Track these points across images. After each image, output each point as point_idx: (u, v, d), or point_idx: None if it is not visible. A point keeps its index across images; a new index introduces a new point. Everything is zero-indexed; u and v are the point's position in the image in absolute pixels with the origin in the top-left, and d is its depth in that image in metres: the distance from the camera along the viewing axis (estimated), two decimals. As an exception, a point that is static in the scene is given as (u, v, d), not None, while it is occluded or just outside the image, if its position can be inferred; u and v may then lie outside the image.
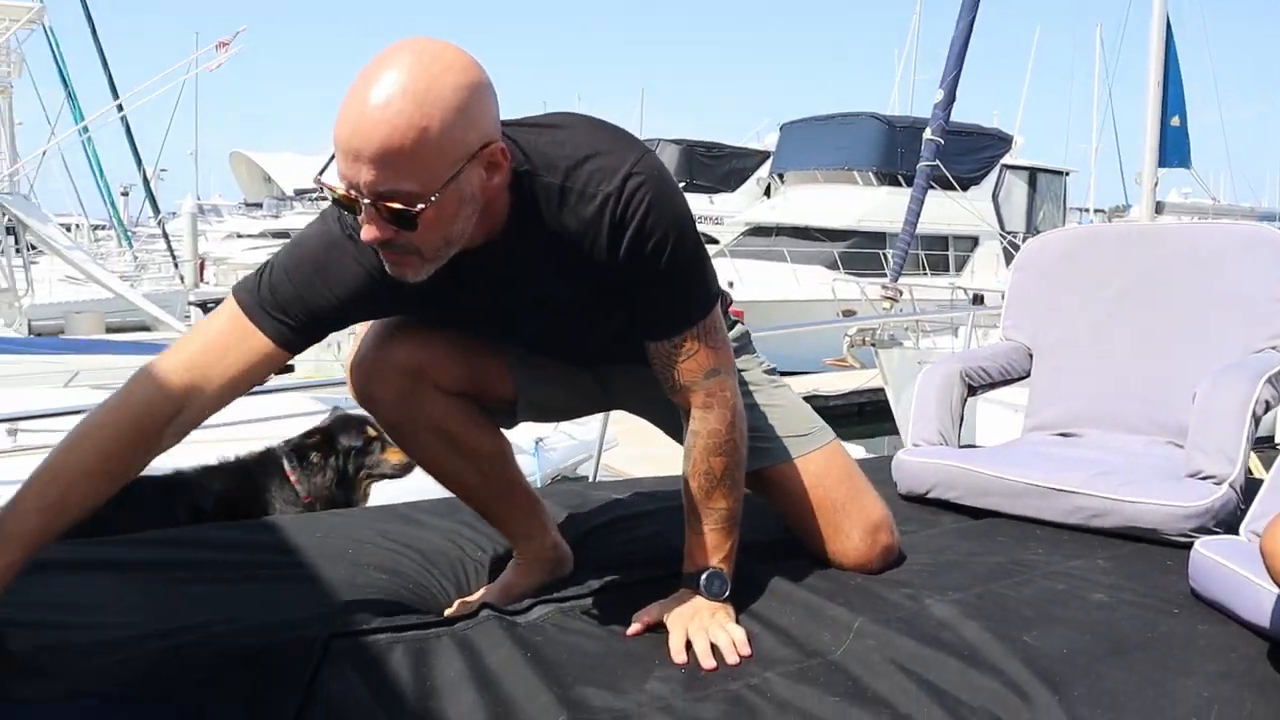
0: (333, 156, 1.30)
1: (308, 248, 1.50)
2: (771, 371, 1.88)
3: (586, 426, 4.95)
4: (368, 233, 1.32)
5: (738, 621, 1.55)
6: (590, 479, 4.09)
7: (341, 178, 1.29)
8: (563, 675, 1.39)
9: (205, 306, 17.90)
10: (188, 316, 16.39)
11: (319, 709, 1.32)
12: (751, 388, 1.80)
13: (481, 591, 1.76)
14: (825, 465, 1.79)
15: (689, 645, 1.48)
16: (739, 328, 1.86)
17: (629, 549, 1.87)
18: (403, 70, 1.25)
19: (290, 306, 1.47)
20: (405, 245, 1.34)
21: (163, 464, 2.21)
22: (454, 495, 1.86)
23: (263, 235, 30.36)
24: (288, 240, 1.58)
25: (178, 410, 1.44)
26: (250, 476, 2.66)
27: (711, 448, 1.57)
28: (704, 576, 1.57)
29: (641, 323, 1.54)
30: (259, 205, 39.55)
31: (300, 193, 38.24)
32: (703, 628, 1.49)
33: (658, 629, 1.54)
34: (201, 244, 24.02)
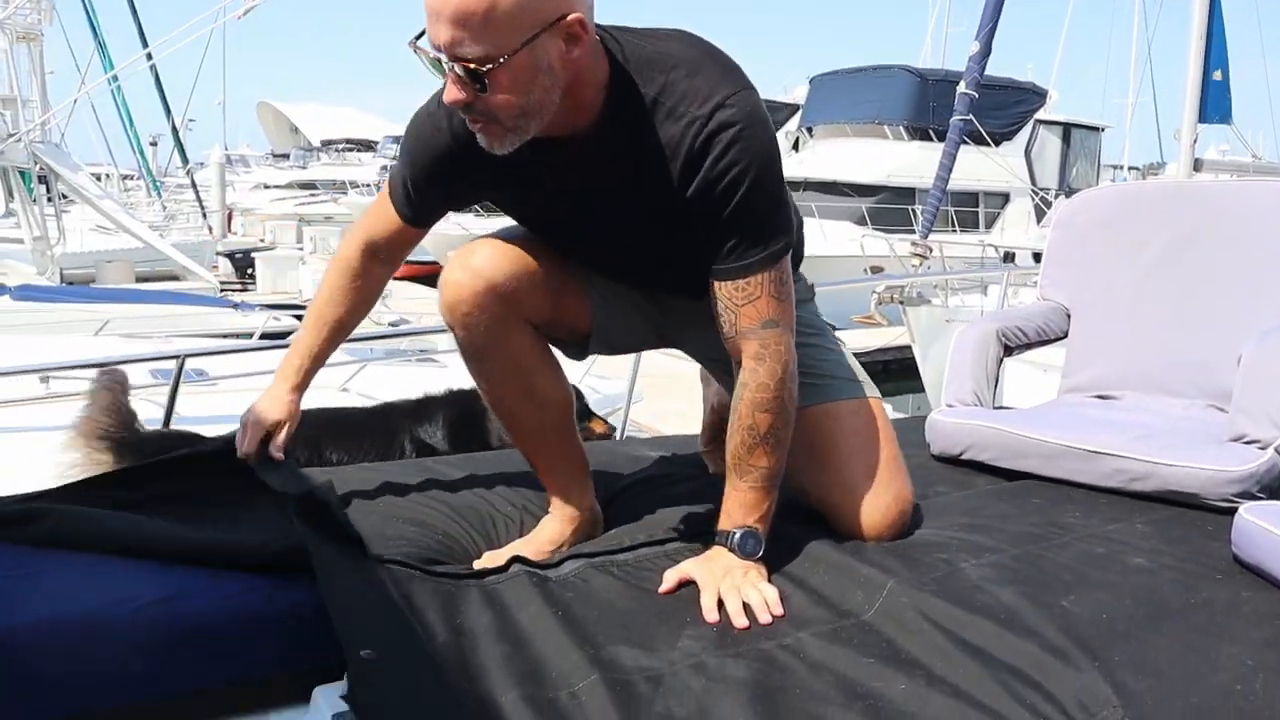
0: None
1: (412, 126, 1.64)
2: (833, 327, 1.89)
3: (612, 380, 4.94)
4: (449, 94, 1.39)
5: (770, 581, 1.53)
6: (618, 435, 4.07)
7: (429, 40, 1.37)
8: (594, 634, 1.37)
9: (233, 257, 18.04)
10: (215, 266, 16.51)
11: (357, 630, 1.31)
12: (821, 328, 1.84)
13: (511, 545, 1.75)
14: (881, 414, 1.79)
15: (721, 604, 1.46)
16: (803, 281, 1.86)
17: (661, 508, 1.85)
18: None
19: (402, 184, 1.68)
20: (484, 110, 1.40)
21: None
22: (480, 452, 1.85)
23: (289, 186, 30.44)
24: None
25: (370, 254, 1.77)
26: (471, 409, 2.73)
27: (758, 403, 1.55)
28: (738, 535, 1.55)
29: (711, 258, 1.54)
30: (286, 156, 39.58)
31: (327, 143, 38.22)
32: (735, 586, 1.48)
33: (689, 587, 1.52)
34: (229, 194, 24.14)
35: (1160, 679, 1.29)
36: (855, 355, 1.89)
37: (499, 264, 1.64)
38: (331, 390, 4.58)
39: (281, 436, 1.79)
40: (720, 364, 1.74)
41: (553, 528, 1.78)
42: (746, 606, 1.45)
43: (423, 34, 1.38)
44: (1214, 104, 8.94)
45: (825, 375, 1.77)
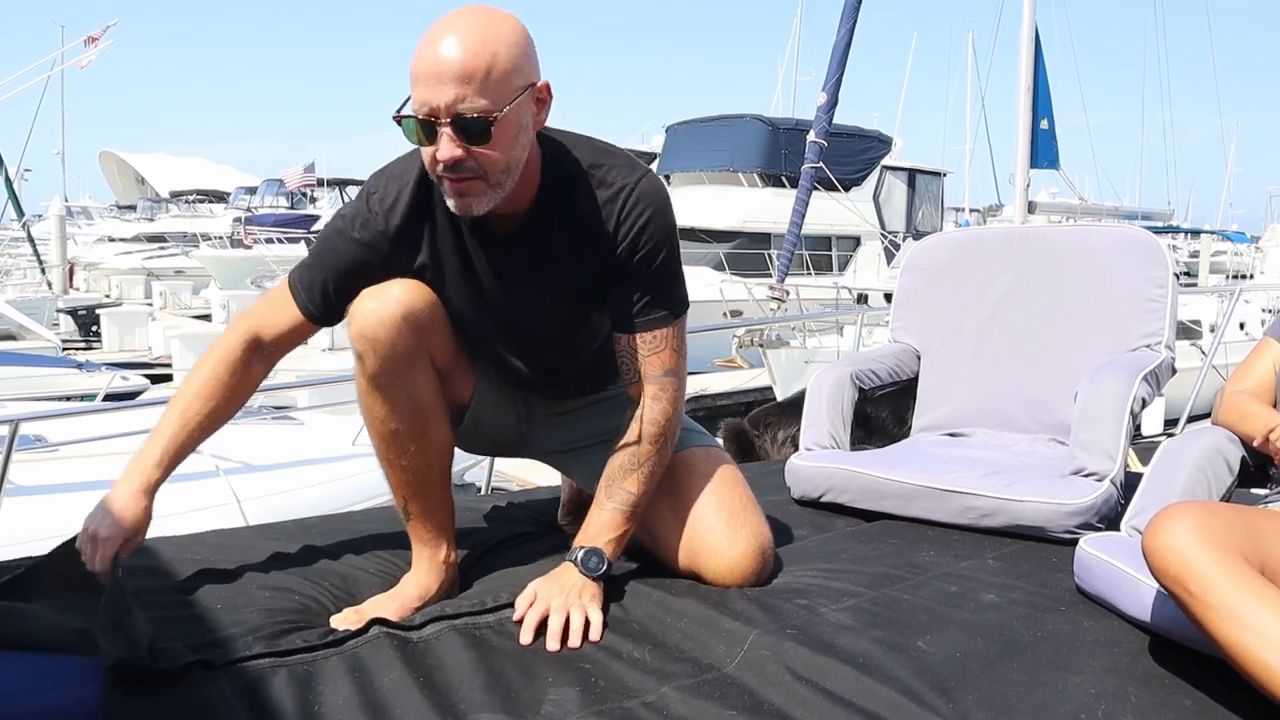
0: (407, 99, 1.50)
1: (329, 240, 1.72)
2: None
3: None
4: (444, 152, 1.49)
5: (607, 609, 1.61)
6: (482, 490, 4.01)
7: (421, 106, 1.48)
8: (456, 700, 1.34)
9: (76, 313, 17.22)
10: (56, 324, 15.75)
11: None
12: None
13: (374, 601, 1.71)
14: (728, 462, 1.87)
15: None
16: None
17: (524, 566, 1.83)
18: (472, 17, 1.49)
19: (318, 287, 1.72)
20: (473, 167, 1.51)
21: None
22: (342, 513, 1.79)
23: (136, 239, 29.29)
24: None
25: (255, 349, 1.75)
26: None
27: (648, 434, 1.70)
28: (583, 552, 1.64)
29: (625, 314, 1.70)
30: (132, 208, 38.13)
31: (176, 194, 36.97)
32: (562, 606, 1.55)
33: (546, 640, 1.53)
34: (70, 248, 23.09)
35: (1012, 714, 1.33)
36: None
37: (415, 296, 1.67)
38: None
39: (128, 551, 1.67)
40: (566, 455, 1.94)
41: (417, 582, 1.75)
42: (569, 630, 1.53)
43: (405, 103, 1.51)
44: (1043, 151, 9.46)
45: (683, 427, 1.84)
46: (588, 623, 1.55)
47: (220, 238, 24.17)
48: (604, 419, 1.83)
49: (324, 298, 1.72)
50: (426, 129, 1.49)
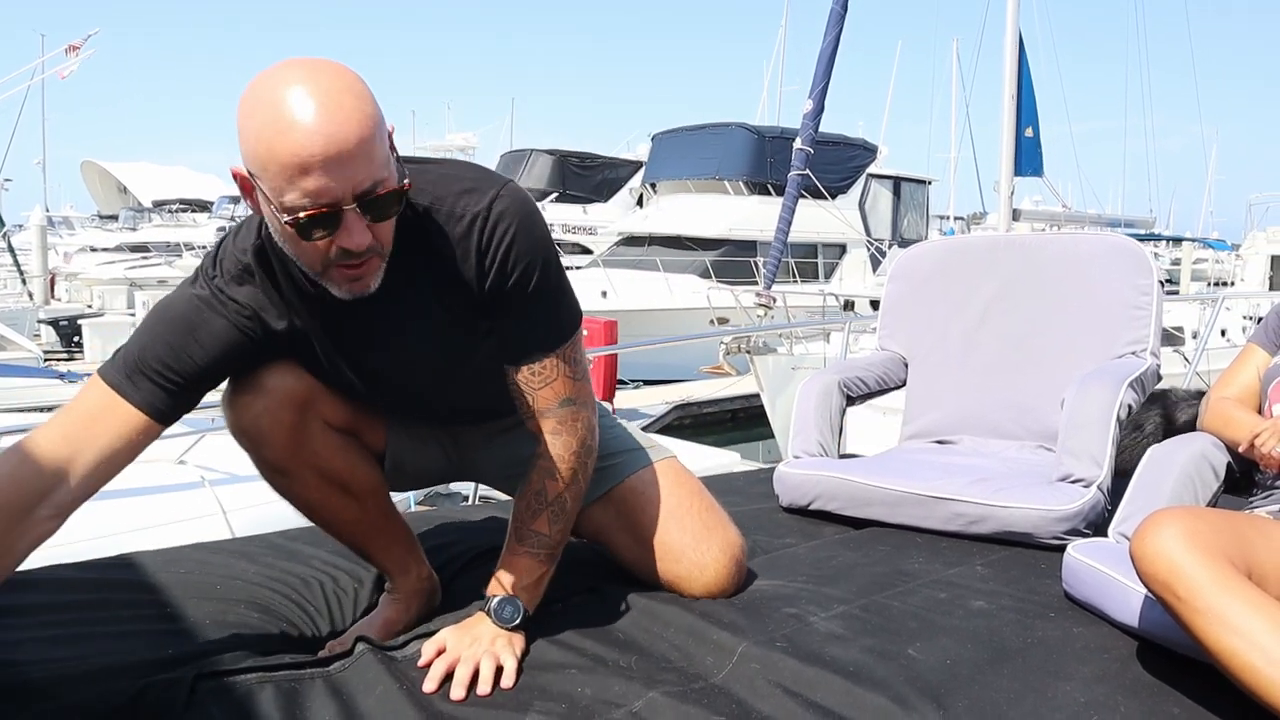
0: (269, 197, 1.27)
1: (174, 311, 1.47)
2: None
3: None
4: (359, 239, 1.30)
5: (526, 653, 1.50)
6: (470, 500, 4.00)
7: (317, 197, 1.25)
8: (443, 713, 1.34)
9: (58, 324, 17.13)
10: (37, 335, 15.66)
11: None
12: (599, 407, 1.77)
13: (356, 627, 1.69)
14: (680, 471, 1.78)
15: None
16: None
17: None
18: (317, 79, 1.25)
19: (159, 373, 1.43)
20: (375, 246, 1.33)
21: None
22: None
23: (119, 249, 29.15)
24: (154, 306, 1.50)
25: (48, 490, 1.36)
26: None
27: (548, 470, 1.55)
28: (496, 602, 1.52)
29: (506, 347, 1.54)
30: (114, 217, 37.93)
31: (159, 204, 36.83)
32: (472, 657, 1.44)
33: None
34: (52, 258, 22.98)
35: (1002, 721, 1.33)
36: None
37: (288, 375, 1.56)
38: (168, 463, 4.37)
39: None
40: (513, 480, 1.68)
41: (396, 607, 1.73)
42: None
43: (300, 211, 1.26)
44: (1027, 159, 9.53)
45: (614, 453, 1.75)
46: (501, 670, 1.44)
47: (203, 246, 24.08)
48: None
49: (180, 387, 1.44)
50: (325, 220, 1.27)
